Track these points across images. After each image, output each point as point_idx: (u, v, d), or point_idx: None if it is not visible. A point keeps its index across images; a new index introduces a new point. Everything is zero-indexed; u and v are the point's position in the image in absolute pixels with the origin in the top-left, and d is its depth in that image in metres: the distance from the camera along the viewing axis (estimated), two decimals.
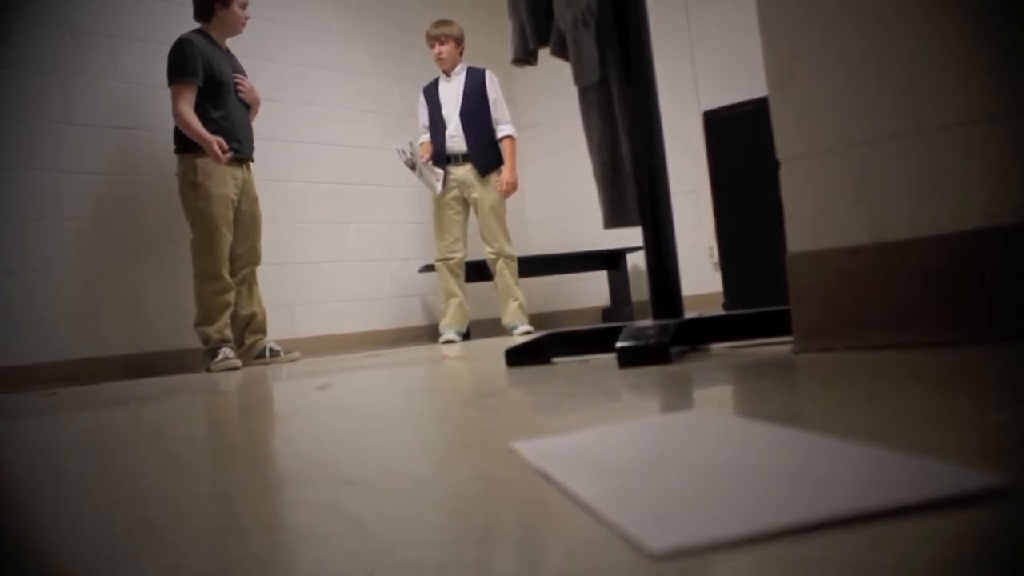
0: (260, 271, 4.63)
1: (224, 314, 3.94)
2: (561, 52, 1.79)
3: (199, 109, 3.85)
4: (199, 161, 3.82)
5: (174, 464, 0.79)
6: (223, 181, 3.88)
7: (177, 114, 3.82)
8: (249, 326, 4.12)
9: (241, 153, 4.01)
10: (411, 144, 4.80)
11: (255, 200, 4.12)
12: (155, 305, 4.35)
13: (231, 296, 3.98)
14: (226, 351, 3.88)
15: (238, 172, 4.00)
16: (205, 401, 1.78)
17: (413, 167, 4.78)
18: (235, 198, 3.96)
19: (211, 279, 3.90)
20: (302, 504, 0.52)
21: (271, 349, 4.13)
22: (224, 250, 3.92)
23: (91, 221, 4.24)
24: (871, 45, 1.18)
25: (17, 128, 4.03)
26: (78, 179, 4.21)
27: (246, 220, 4.06)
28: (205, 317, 3.90)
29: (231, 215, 3.94)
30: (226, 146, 3.80)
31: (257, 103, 4.20)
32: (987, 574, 0.28)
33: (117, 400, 2.09)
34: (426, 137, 4.89)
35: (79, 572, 0.42)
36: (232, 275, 4.02)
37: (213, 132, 3.84)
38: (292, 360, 4.12)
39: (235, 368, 3.81)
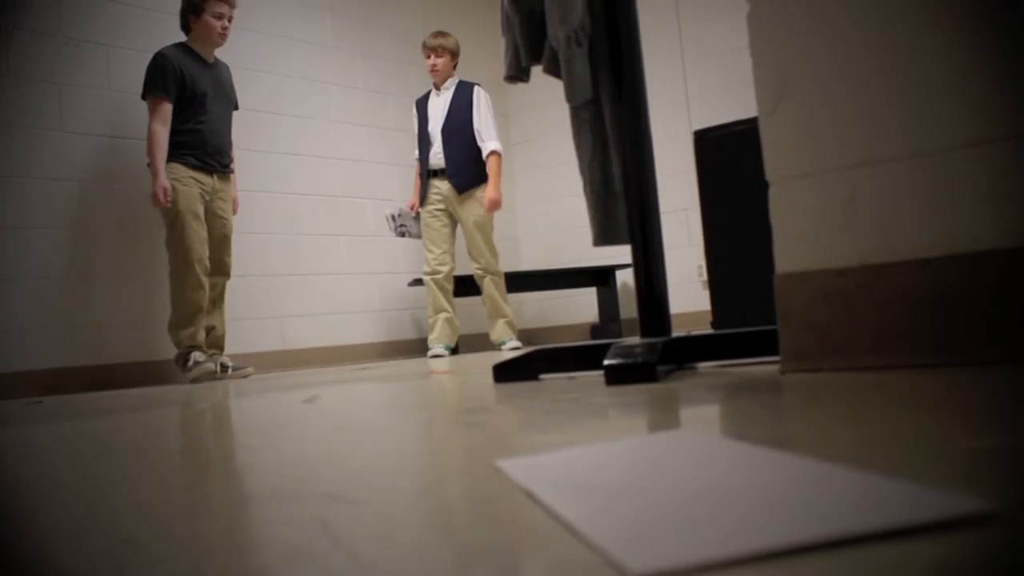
0: (249, 282, 4.62)
1: (196, 317, 3.93)
2: (553, 70, 1.80)
3: (177, 124, 3.94)
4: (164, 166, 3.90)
5: (157, 477, 0.78)
6: (190, 182, 3.95)
7: (150, 132, 3.90)
8: (206, 339, 4.08)
9: (211, 165, 4.05)
10: (404, 212, 4.86)
11: (227, 212, 4.16)
12: (135, 315, 4.33)
13: (203, 298, 3.95)
14: (197, 355, 3.86)
15: (206, 179, 4.03)
16: (190, 413, 1.77)
17: (403, 235, 4.87)
18: (203, 201, 4.01)
19: (182, 274, 3.89)
20: (287, 521, 0.52)
21: (223, 364, 4.10)
22: (193, 243, 3.91)
23: (75, 229, 4.22)
24: (862, 69, 1.19)
25: (4, 135, 4.03)
26: (66, 186, 4.20)
27: (215, 230, 4.08)
28: (178, 318, 3.91)
29: (200, 209, 3.97)
30: (169, 196, 3.83)
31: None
32: None
33: (101, 411, 2.08)
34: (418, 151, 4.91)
35: None
36: None
37: (183, 144, 3.94)
38: (245, 376, 4.08)
39: (210, 372, 3.82)
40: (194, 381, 3.77)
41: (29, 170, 4.09)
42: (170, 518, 0.57)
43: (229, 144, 4.20)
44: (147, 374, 4.29)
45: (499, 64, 1.96)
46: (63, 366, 4.06)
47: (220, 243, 4.12)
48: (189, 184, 3.94)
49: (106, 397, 2.93)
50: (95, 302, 4.23)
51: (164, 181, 3.82)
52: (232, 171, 4.22)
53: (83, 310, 4.18)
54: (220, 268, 4.12)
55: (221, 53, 4.28)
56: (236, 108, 4.33)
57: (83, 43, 4.30)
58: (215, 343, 4.13)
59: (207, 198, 4.04)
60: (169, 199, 3.82)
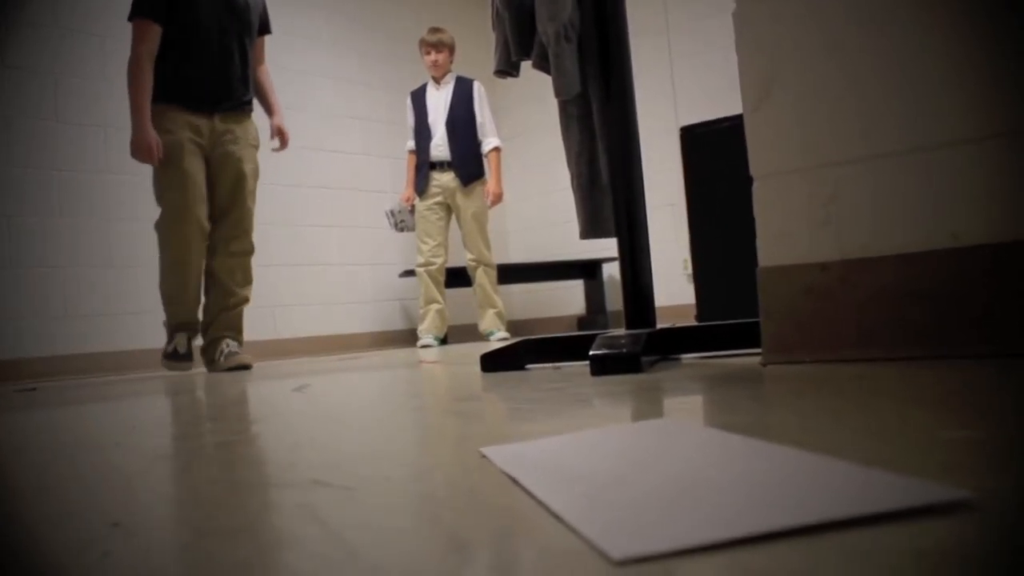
0: None
1: (183, 291, 3.26)
2: (543, 65, 1.81)
3: (161, 58, 3.22)
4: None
5: (146, 464, 0.79)
6: (175, 127, 3.24)
7: (133, 60, 3.16)
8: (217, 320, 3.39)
9: (211, 105, 3.32)
10: (401, 207, 4.86)
11: (238, 159, 3.38)
12: (136, 303, 4.32)
13: (189, 267, 3.25)
14: (178, 339, 3.26)
15: (200, 121, 3.30)
16: (182, 399, 1.77)
17: (403, 230, 4.88)
18: (198, 148, 3.29)
19: (164, 236, 3.23)
20: (275, 507, 0.53)
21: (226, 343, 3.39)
22: (175, 197, 3.21)
23: (76, 218, 4.21)
24: (845, 68, 1.21)
25: (5, 126, 4.03)
26: (63, 176, 4.19)
27: (224, 181, 3.36)
28: (163, 289, 3.27)
29: (184, 159, 3.22)
30: (160, 152, 3.17)
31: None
32: None
33: (95, 397, 2.08)
34: (412, 143, 4.93)
35: (46, 574, 0.43)
36: (211, 252, 3.35)
37: (176, 79, 3.23)
38: (240, 364, 3.30)
39: (182, 363, 3.26)
40: (169, 368, 3.31)
41: (34, 159, 4.08)
42: (158, 504, 0.58)
43: (247, 76, 3.44)
44: (136, 362, 4.29)
45: (488, 60, 1.97)
46: (73, 353, 4.08)
47: (233, 196, 3.38)
48: (177, 132, 3.23)
49: (95, 384, 2.92)
50: (101, 290, 4.22)
51: (151, 132, 3.14)
52: (250, 107, 3.48)
53: (86, 298, 4.17)
54: (231, 229, 3.38)
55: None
56: (267, 32, 3.61)
57: (79, 33, 4.28)
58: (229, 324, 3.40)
59: (205, 145, 3.31)
60: (161, 155, 3.16)
